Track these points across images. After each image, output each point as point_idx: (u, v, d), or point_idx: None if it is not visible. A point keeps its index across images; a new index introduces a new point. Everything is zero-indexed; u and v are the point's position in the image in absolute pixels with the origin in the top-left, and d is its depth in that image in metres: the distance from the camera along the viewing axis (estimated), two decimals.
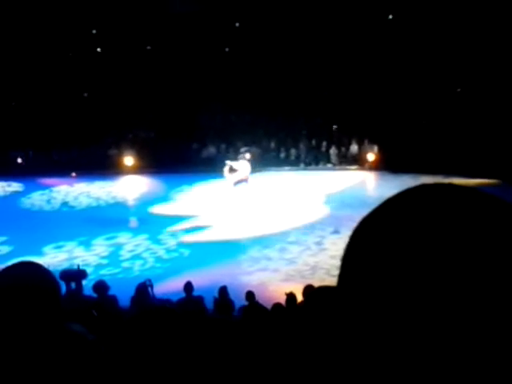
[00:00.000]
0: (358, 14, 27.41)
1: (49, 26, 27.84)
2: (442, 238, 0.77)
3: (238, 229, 18.81)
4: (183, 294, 11.11)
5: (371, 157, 26.71)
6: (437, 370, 0.75)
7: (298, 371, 2.76)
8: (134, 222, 20.34)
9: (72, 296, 11.35)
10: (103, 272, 15.45)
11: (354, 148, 27.48)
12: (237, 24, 29.53)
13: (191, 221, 19.62)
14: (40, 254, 16.53)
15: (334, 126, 27.86)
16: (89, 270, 14.02)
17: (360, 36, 27.70)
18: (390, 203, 0.84)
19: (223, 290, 11.03)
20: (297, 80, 28.57)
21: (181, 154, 26.83)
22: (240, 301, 10.73)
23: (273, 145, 28.28)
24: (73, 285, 12.52)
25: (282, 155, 27.95)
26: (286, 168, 27.29)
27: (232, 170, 21.98)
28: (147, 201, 22.17)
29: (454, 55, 26.32)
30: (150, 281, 11.13)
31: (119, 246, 17.84)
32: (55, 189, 24.41)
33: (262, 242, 17.57)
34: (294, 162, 27.78)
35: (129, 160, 27.21)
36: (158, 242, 18.12)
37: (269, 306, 9.57)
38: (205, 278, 13.37)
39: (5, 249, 17.63)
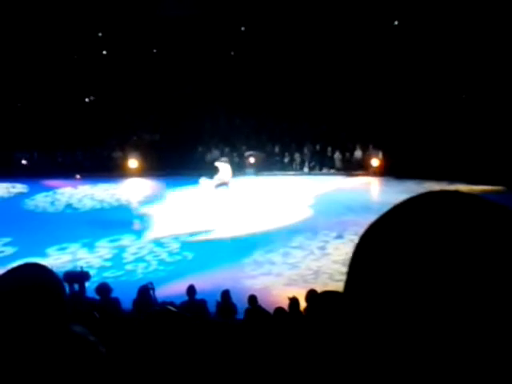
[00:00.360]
0: (363, 20, 27.43)
1: (54, 29, 27.91)
2: (448, 245, 0.77)
3: (241, 232, 18.82)
4: (186, 298, 11.11)
5: (376, 162, 26.70)
6: (445, 377, 0.75)
7: (299, 374, 2.75)
8: (137, 224, 20.34)
9: (75, 298, 11.35)
10: (106, 274, 15.44)
11: (359, 153, 27.47)
12: (242, 28, 29.58)
13: (194, 224, 19.62)
14: (44, 255, 16.55)
15: (342, 133, 27.83)
16: (92, 272, 14.02)
17: (365, 42, 27.72)
18: (398, 210, 0.85)
19: (226, 294, 11.01)
20: (302, 85, 28.60)
21: (185, 157, 26.86)
22: (243, 305, 10.71)
23: (277, 149, 28.29)
24: (76, 286, 12.53)
25: (286, 160, 27.95)
26: (290, 173, 27.30)
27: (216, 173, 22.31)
28: (150, 203, 22.18)
29: (459, 62, 26.32)
30: (151, 284, 11.12)
31: (122, 249, 17.84)
32: (59, 191, 24.44)
33: (265, 245, 17.56)
34: (298, 167, 27.79)
35: (133, 162, 27.24)
36: (161, 244, 18.13)
37: (271, 310, 9.55)
38: (208, 282, 13.37)
39: (9, 250, 17.64)
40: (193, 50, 28.99)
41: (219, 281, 13.38)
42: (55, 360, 1.97)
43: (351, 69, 28.05)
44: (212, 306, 10.79)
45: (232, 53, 30.19)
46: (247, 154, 27.57)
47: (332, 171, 27.32)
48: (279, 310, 9.14)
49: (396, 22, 28.59)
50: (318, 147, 28.05)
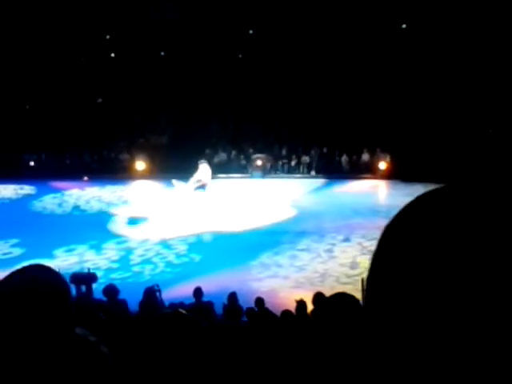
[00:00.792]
0: (371, 23, 27.42)
1: (62, 31, 28.00)
2: (468, 238, 0.75)
3: (247, 234, 18.83)
4: (193, 300, 11.11)
5: (383, 165, 26.64)
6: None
7: (306, 376, 2.75)
8: (144, 226, 20.36)
9: (82, 299, 11.37)
10: (113, 276, 15.48)
11: (366, 156, 27.42)
12: (250, 31, 29.61)
13: (199, 225, 19.63)
14: (51, 256, 16.60)
15: (350, 136, 27.77)
16: (99, 274, 14.06)
17: (373, 44, 27.71)
18: (414, 206, 0.83)
19: (233, 296, 11.01)
20: (309, 88, 28.60)
21: (192, 160, 26.88)
22: (249, 307, 10.71)
23: (284, 152, 28.28)
24: (83, 288, 12.56)
25: (294, 163, 27.93)
26: (297, 175, 27.29)
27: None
28: (157, 205, 22.20)
29: (467, 65, 26.26)
30: (157, 286, 11.13)
31: (130, 251, 17.88)
32: (67, 192, 24.50)
33: (272, 248, 17.56)
34: (305, 170, 27.76)
35: (140, 165, 27.27)
36: (168, 246, 18.15)
37: (278, 313, 9.55)
38: (214, 284, 13.37)
39: (16, 251, 17.70)
40: (201, 53, 29.03)
41: (226, 283, 13.38)
42: (57, 361, 1.98)
43: (359, 72, 28.03)
44: (219, 309, 10.80)
45: (240, 56, 30.21)
46: (254, 156, 27.58)
47: (339, 174, 27.26)
48: (286, 312, 9.14)
49: (404, 26, 28.56)
50: (325, 150, 28.02)
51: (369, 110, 27.65)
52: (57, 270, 2.17)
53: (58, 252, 17.49)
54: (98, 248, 17.98)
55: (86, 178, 26.39)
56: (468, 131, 25.44)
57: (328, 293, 3.43)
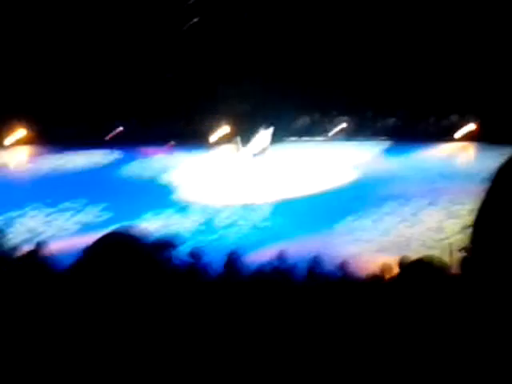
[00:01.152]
0: None
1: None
2: None
3: (331, 198, 18.74)
4: (276, 263, 11.19)
5: (471, 127, 25.94)
6: None
7: (390, 341, 2.72)
8: (224, 191, 20.47)
9: (165, 262, 11.61)
10: (199, 238, 15.72)
11: (454, 118, 26.72)
12: None
13: (286, 189, 19.65)
14: (138, 220, 16.98)
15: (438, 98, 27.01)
16: (185, 237, 14.31)
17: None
18: None
19: (317, 260, 11.02)
20: (395, 49, 27.95)
21: (276, 124, 26.75)
22: (333, 271, 10.71)
23: (370, 114, 27.81)
24: (167, 251, 12.81)
25: (379, 125, 27.46)
26: (382, 138, 26.86)
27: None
28: (242, 169, 22.29)
29: None
30: (240, 249, 11.17)
31: (215, 214, 18.10)
32: (154, 158, 24.90)
33: (356, 211, 17.42)
34: (390, 133, 27.27)
35: (225, 129, 27.27)
36: (253, 209, 18.28)
37: (363, 277, 9.51)
38: (298, 248, 13.39)
39: (105, 215, 18.19)
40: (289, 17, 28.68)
41: (310, 247, 13.39)
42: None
43: (450, 32, 27.15)
44: (303, 272, 10.83)
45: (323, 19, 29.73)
46: (338, 119, 27.29)
47: (425, 137, 26.66)
48: (371, 276, 9.10)
49: None
50: (410, 112, 27.40)
51: (456, 73, 26.83)
52: (143, 232, 2.20)
53: (145, 216, 17.87)
54: (184, 211, 18.29)
55: (172, 143, 26.73)
56: None
57: (414, 257, 3.36)
